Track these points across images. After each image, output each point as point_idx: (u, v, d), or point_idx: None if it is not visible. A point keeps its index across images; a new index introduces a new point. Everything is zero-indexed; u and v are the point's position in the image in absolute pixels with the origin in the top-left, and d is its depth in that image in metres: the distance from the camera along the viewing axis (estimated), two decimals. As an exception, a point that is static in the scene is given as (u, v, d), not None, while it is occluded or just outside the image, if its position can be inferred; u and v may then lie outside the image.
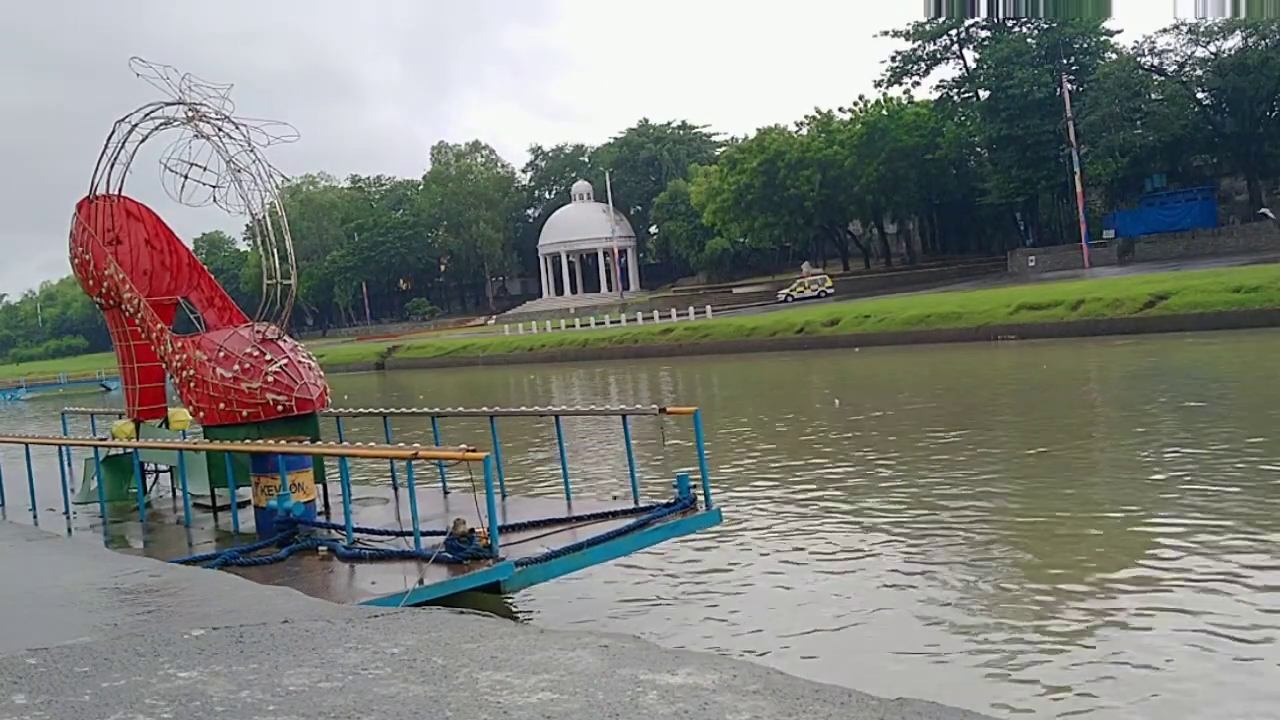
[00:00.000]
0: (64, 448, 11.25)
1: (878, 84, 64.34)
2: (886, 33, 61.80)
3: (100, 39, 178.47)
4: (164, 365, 10.13)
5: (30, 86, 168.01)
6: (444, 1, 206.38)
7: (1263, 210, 50.45)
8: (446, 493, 9.95)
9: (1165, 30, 51.92)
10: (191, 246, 11.92)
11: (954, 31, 60.14)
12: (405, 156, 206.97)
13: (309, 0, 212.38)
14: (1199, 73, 52.50)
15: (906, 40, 61.62)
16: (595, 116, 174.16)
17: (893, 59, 62.70)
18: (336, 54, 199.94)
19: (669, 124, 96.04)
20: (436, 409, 11.03)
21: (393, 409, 12.12)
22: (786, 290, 63.95)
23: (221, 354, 9.14)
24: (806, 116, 70.37)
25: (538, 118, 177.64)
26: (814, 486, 12.55)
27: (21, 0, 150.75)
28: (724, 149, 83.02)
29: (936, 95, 63.43)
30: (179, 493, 10.35)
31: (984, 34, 59.42)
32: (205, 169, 9.55)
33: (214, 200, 9.62)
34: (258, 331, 9.35)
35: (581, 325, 62.48)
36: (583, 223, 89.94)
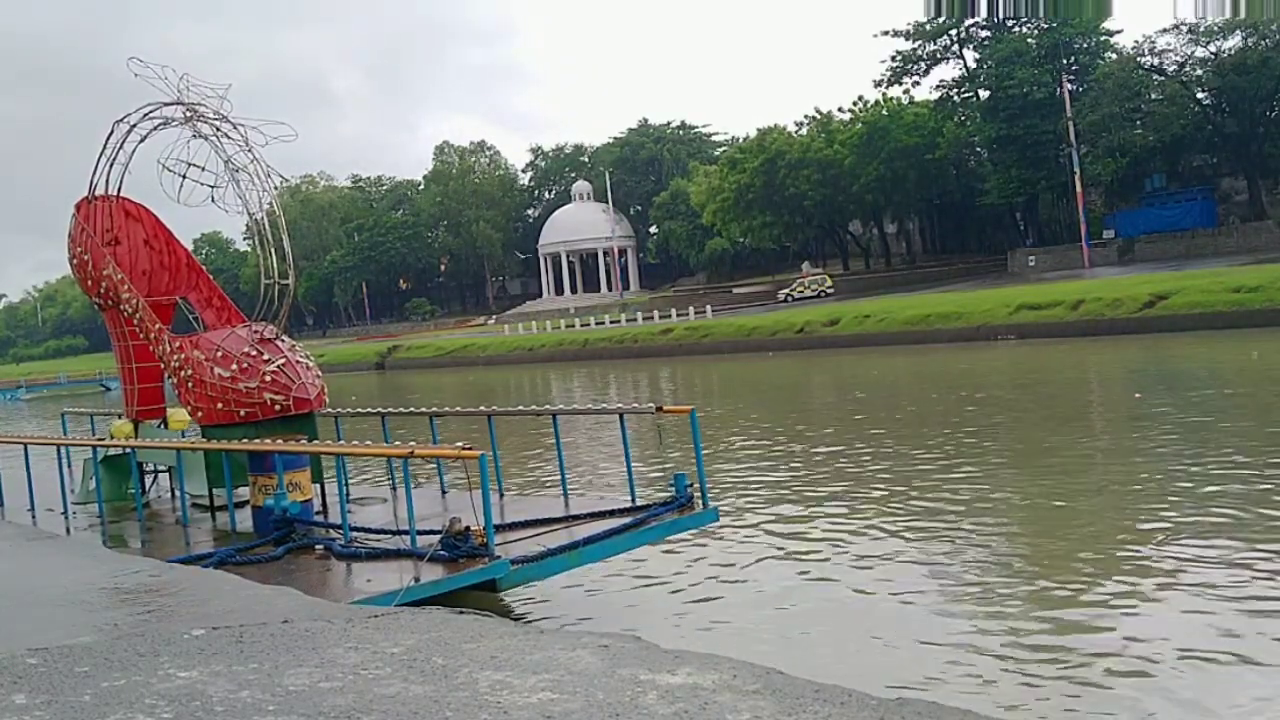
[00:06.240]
0: (63, 448, 11.24)
1: (878, 84, 64.45)
2: (886, 33, 61.91)
3: (82, 54, 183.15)
4: (162, 365, 10.12)
5: (15, 98, 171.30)
6: (413, 20, 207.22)
7: None
8: (445, 492, 9.95)
9: (1165, 30, 52.03)
10: (191, 246, 11.91)
11: (954, 31, 60.18)
12: (381, 166, 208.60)
13: (279, 20, 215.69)
14: (1199, 73, 52.49)
15: (906, 40, 61.69)
16: (581, 126, 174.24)
17: (893, 59, 62.77)
18: (307, 69, 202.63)
19: (669, 124, 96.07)
20: (435, 408, 11.03)
21: (391, 409, 12.12)
22: (786, 290, 63.83)
23: (219, 354, 9.13)
24: (806, 116, 70.54)
25: (508, 130, 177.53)
26: (812, 485, 12.54)
27: (4, 19, 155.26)
28: (724, 149, 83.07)
29: (936, 95, 63.47)
30: (178, 493, 10.35)
31: (984, 34, 59.47)
32: (203, 169, 9.56)
33: (212, 200, 9.63)
34: (255, 331, 9.34)
35: (581, 325, 62.40)
36: (583, 223, 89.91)
